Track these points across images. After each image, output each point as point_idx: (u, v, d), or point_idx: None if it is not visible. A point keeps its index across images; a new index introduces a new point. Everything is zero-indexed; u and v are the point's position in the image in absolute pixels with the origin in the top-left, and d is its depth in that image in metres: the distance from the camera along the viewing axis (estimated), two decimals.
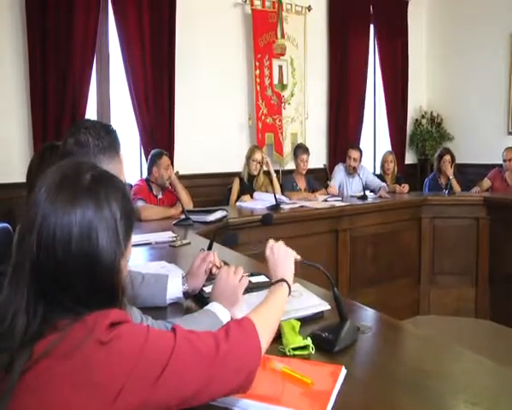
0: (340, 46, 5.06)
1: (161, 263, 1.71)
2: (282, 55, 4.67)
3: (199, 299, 1.36)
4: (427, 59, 5.90)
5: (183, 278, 1.30)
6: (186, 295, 1.30)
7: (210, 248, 1.76)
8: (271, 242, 1.14)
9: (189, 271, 1.31)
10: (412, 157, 5.84)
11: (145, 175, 3.52)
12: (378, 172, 5.03)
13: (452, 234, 3.90)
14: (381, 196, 4.02)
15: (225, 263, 1.61)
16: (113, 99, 3.95)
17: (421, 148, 5.73)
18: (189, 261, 1.42)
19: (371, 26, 5.37)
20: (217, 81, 4.36)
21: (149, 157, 3.40)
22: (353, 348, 1.09)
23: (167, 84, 3.99)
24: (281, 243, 1.13)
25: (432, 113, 5.76)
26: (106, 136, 1.03)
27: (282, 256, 1.08)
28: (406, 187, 4.31)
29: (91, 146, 1.00)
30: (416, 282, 3.94)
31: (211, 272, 1.25)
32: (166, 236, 2.24)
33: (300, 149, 4.18)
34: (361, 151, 4.39)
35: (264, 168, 3.93)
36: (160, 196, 3.34)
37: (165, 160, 3.32)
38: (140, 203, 3.00)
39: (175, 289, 1.29)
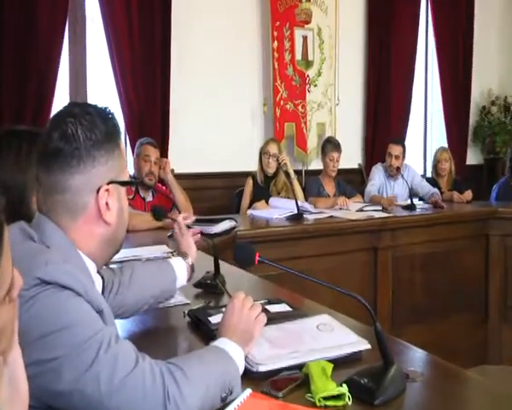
0: (383, 11, 5.07)
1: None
2: (307, 22, 4.70)
3: (204, 331, 1.38)
4: (501, 27, 5.77)
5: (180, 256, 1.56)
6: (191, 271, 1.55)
7: (217, 268, 1.81)
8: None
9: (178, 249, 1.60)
10: (476, 156, 5.80)
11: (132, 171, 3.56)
12: (429, 174, 5.01)
13: None
14: (435, 205, 3.99)
15: (216, 275, 1.78)
16: (91, 75, 4.01)
17: (490, 144, 5.68)
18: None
19: None
20: (223, 57, 4.41)
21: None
22: (400, 399, 1.10)
23: (160, 58, 4.05)
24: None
25: (506, 98, 5.70)
26: (102, 124, 1.03)
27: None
28: (468, 194, 4.28)
29: (81, 140, 1.00)
30: (481, 319, 3.90)
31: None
32: (159, 251, 2.27)
33: (330, 145, 4.19)
34: (404, 146, 4.39)
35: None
36: (148, 199, 3.38)
37: (146, 149, 3.38)
38: None
39: (182, 268, 1.51)
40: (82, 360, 0.88)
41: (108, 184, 1.03)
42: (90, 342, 0.89)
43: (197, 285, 1.77)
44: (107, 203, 1.03)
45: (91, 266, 1.06)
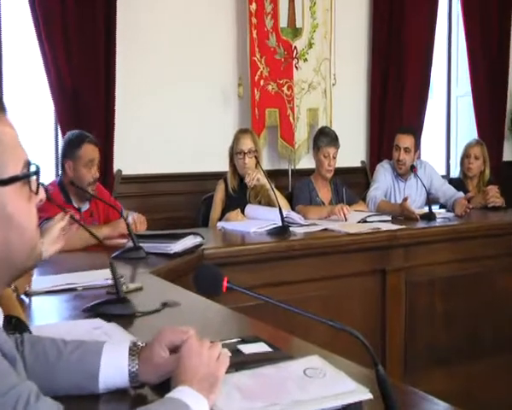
0: None
1: (95, 322, 1.74)
2: None
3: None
4: None
5: (132, 350, 1.32)
6: (134, 381, 1.30)
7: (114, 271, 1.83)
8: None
9: (147, 346, 1.31)
10: None
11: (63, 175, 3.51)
12: (454, 174, 5.06)
13: None
14: (464, 212, 4.02)
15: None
16: (6, 39, 3.94)
17: None
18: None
19: None
20: (186, 23, 4.43)
21: (63, 144, 3.43)
22: None
23: (103, 22, 4.04)
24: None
25: None
26: None
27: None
28: (492, 190, 4.31)
29: None
30: None
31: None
32: (101, 276, 2.24)
33: (324, 138, 4.20)
34: (415, 137, 4.41)
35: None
36: (84, 208, 3.34)
37: (88, 151, 3.33)
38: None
39: (115, 369, 1.29)
40: None
41: None
42: (3, 401, 0.87)
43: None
44: None
45: None
